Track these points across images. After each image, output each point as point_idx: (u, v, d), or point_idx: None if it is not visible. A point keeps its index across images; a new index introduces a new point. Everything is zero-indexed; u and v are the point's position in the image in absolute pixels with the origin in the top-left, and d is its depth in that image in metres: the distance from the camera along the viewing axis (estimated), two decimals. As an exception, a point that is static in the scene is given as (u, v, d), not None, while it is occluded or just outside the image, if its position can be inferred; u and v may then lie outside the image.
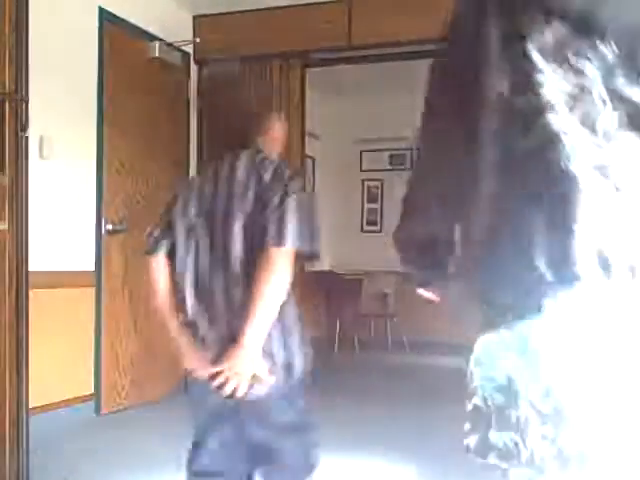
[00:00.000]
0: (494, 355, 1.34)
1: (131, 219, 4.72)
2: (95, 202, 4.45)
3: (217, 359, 2.03)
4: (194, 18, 5.39)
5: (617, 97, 1.14)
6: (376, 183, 8.21)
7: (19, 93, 2.76)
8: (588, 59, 1.14)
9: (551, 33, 1.16)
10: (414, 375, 6.43)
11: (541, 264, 1.12)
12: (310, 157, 7.40)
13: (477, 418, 1.30)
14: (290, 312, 2.13)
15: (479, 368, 1.36)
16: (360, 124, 8.13)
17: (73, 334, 4.27)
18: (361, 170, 8.28)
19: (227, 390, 2.00)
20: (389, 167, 8.16)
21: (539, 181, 1.15)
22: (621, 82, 1.14)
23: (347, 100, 8.10)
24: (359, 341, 7.02)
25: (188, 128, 5.37)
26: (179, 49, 5.19)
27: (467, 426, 1.34)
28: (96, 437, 3.99)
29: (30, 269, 2.88)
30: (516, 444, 1.20)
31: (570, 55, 1.15)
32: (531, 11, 1.20)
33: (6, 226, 2.73)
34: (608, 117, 1.13)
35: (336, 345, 7.33)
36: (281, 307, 2.05)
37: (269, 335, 2.04)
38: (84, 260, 4.39)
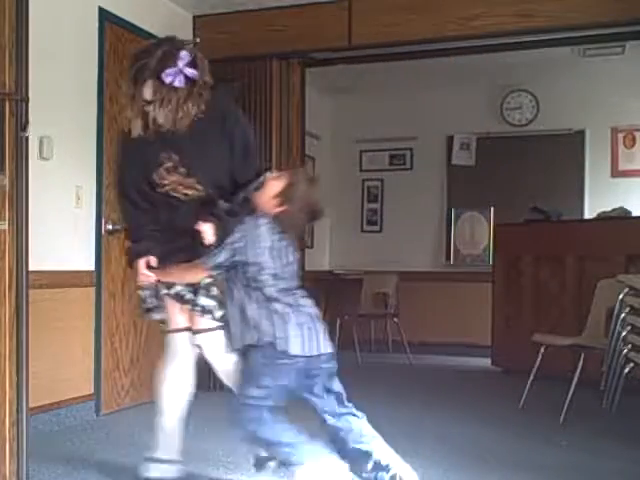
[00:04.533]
0: None
1: (131, 219, 4.72)
2: (95, 202, 4.45)
3: None
4: (194, 18, 5.39)
5: None
6: (376, 183, 8.21)
7: (19, 93, 2.76)
8: None
9: None
10: (414, 375, 6.44)
11: None
12: (310, 157, 7.41)
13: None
14: None
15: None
16: (360, 124, 8.13)
17: (73, 334, 4.27)
18: (361, 170, 8.28)
19: None
20: (389, 167, 8.16)
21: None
22: None
23: (347, 100, 8.10)
24: (359, 341, 7.01)
25: (188, 128, 5.36)
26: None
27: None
28: (96, 437, 3.99)
29: (30, 269, 2.88)
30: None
31: None
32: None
33: (6, 226, 2.72)
34: None
35: (336, 345, 7.32)
36: None
37: None
38: (84, 260, 4.39)
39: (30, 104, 2.81)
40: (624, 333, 4.19)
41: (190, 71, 2.82)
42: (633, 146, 7.28)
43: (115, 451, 3.68)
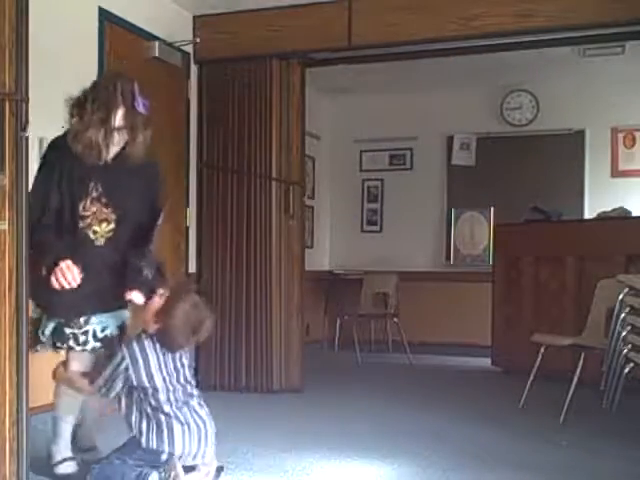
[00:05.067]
0: None
1: (131, 219, 4.72)
2: (95, 202, 4.44)
3: None
4: (194, 18, 5.39)
5: None
6: (376, 183, 8.21)
7: (19, 93, 2.76)
8: None
9: None
10: (414, 375, 6.44)
11: None
12: (310, 157, 7.41)
13: None
14: None
15: None
16: (360, 124, 8.13)
17: (73, 334, 4.26)
18: (361, 170, 8.27)
19: None
20: (389, 167, 8.17)
21: None
22: None
23: (347, 100, 8.10)
24: (359, 341, 7.01)
25: (188, 128, 5.37)
26: (179, 49, 5.18)
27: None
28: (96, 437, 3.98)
29: (30, 269, 2.88)
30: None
31: None
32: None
33: (6, 226, 2.72)
34: None
35: (336, 345, 7.33)
36: None
37: None
38: (84, 260, 4.38)
39: (30, 104, 2.81)
40: (624, 333, 4.19)
41: (144, 101, 3.01)
42: (633, 146, 7.28)
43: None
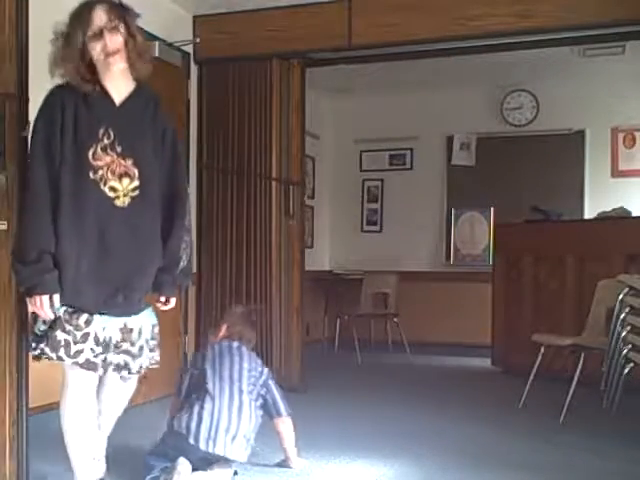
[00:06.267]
0: None
1: (131, 219, 4.71)
2: (95, 202, 4.44)
3: None
4: (194, 18, 5.39)
5: None
6: (376, 183, 8.21)
7: (19, 93, 2.76)
8: None
9: None
10: (414, 375, 6.43)
11: None
12: (310, 157, 7.41)
13: None
14: None
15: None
16: (360, 124, 8.13)
17: (73, 334, 4.25)
18: (361, 170, 8.27)
19: None
20: (389, 167, 8.16)
21: None
22: None
23: (347, 100, 8.10)
24: (359, 341, 7.01)
25: (188, 128, 5.37)
26: (179, 49, 5.18)
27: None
28: (96, 437, 3.98)
29: (30, 269, 2.87)
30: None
31: None
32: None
33: (6, 226, 2.72)
34: None
35: (336, 345, 7.32)
36: None
37: None
38: (84, 260, 4.37)
39: (30, 104, 2.81)
40: (624, 333, 4.19)
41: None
42: (633, 146, 7.28)
43: (115, 451, 3.67)
